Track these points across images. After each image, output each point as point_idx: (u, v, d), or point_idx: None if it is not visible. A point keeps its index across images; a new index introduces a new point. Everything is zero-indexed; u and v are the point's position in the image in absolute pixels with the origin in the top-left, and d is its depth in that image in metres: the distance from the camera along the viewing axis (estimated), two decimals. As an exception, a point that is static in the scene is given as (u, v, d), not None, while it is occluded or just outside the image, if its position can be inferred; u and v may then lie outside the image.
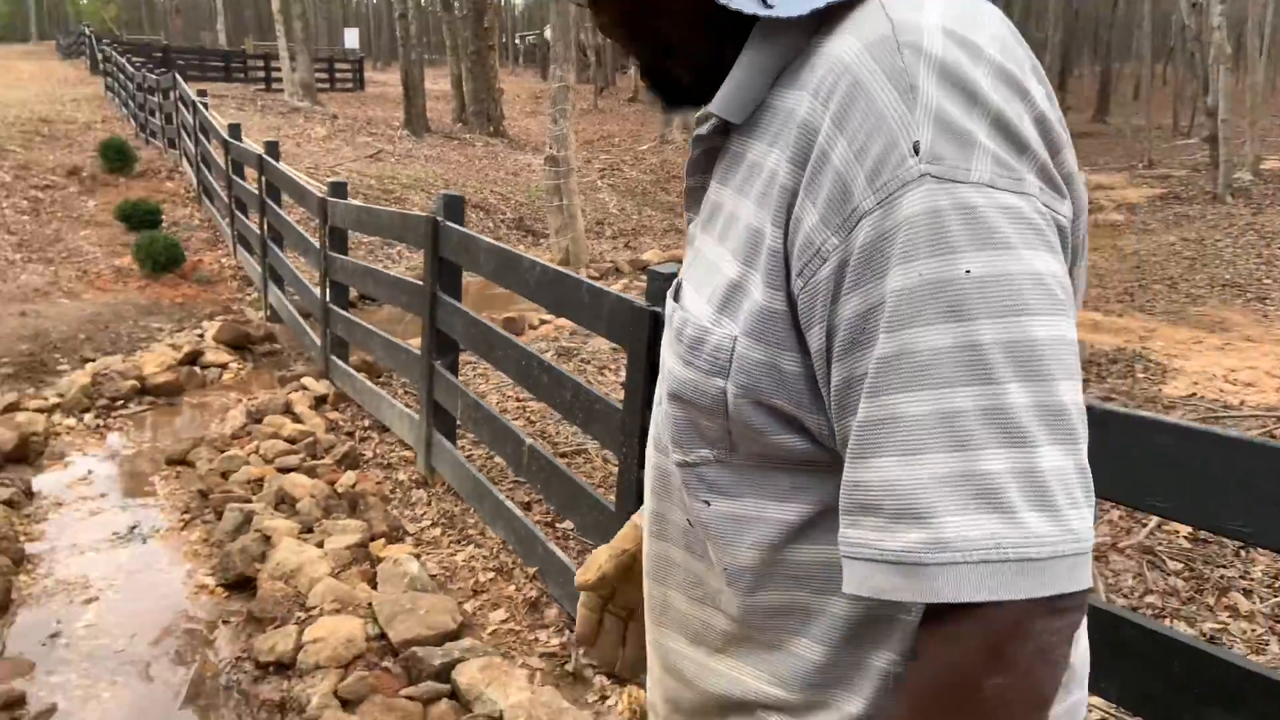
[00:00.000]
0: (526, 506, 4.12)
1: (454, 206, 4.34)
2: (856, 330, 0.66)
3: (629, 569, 1.07)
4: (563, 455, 4.69)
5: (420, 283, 4.67)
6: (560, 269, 3.34)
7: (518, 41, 45.46)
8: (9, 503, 4.24)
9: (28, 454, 4.91)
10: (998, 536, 0.61)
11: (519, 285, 3.57)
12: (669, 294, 0.89)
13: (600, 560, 1.08)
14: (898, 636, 0.76)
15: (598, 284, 3.10)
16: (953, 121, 0.63)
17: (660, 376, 0.93)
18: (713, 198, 0.82)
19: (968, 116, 0.64)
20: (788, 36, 0.73)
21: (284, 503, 4.30)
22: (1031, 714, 0.64)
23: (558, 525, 4.03)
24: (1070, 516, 0.62)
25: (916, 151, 0.63)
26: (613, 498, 3.01)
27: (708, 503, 0.82)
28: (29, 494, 4.49)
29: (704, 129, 0.80)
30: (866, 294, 0.65)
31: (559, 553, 3.43)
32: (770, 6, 0.71)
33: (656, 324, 2.53)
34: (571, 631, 3.24)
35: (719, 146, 0.81)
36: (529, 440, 3.61)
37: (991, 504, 0.61)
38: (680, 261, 1.01)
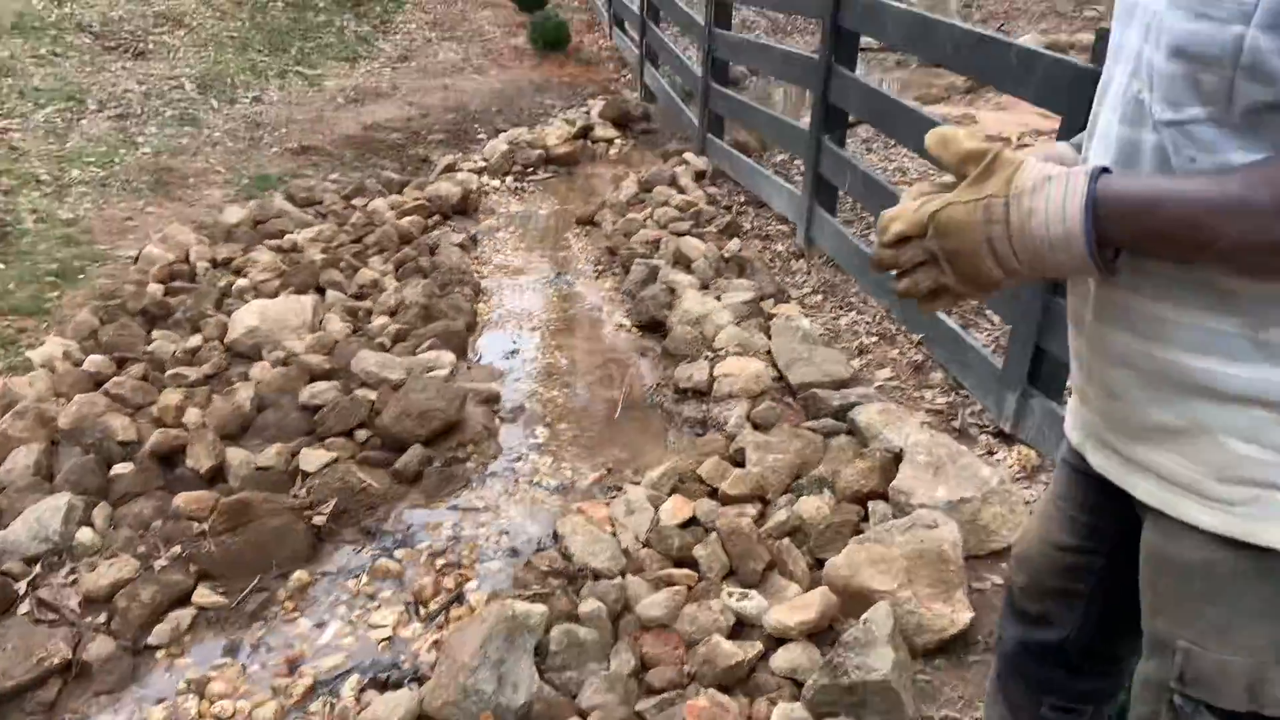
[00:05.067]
0: (909, 280, 4.22)
1: (859, -26, 4.27)
2: None
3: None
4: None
5: (813, 55, 4.72)
6: (985, 31, 3.24)
7: None
8: (462, 246, 5.07)
9: (467, 208, 5.76)
10: None
11: (933, 52, 3.53)
12: None
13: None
14: None
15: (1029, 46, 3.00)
16: None
17: (1129, 61, 1.01)
18: None
19: None
20: None
21: (679, 262, 4.74)
22: None
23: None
24: None
25: None
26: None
27: (1193, 159, 0.91)
28: (474, 240, 5.32)
29: None
30: None
31: (946, 320, 3.55)
32: None
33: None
34: (958, 394, 3.40)
35: None
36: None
37: None
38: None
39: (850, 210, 5.27)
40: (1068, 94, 2.67)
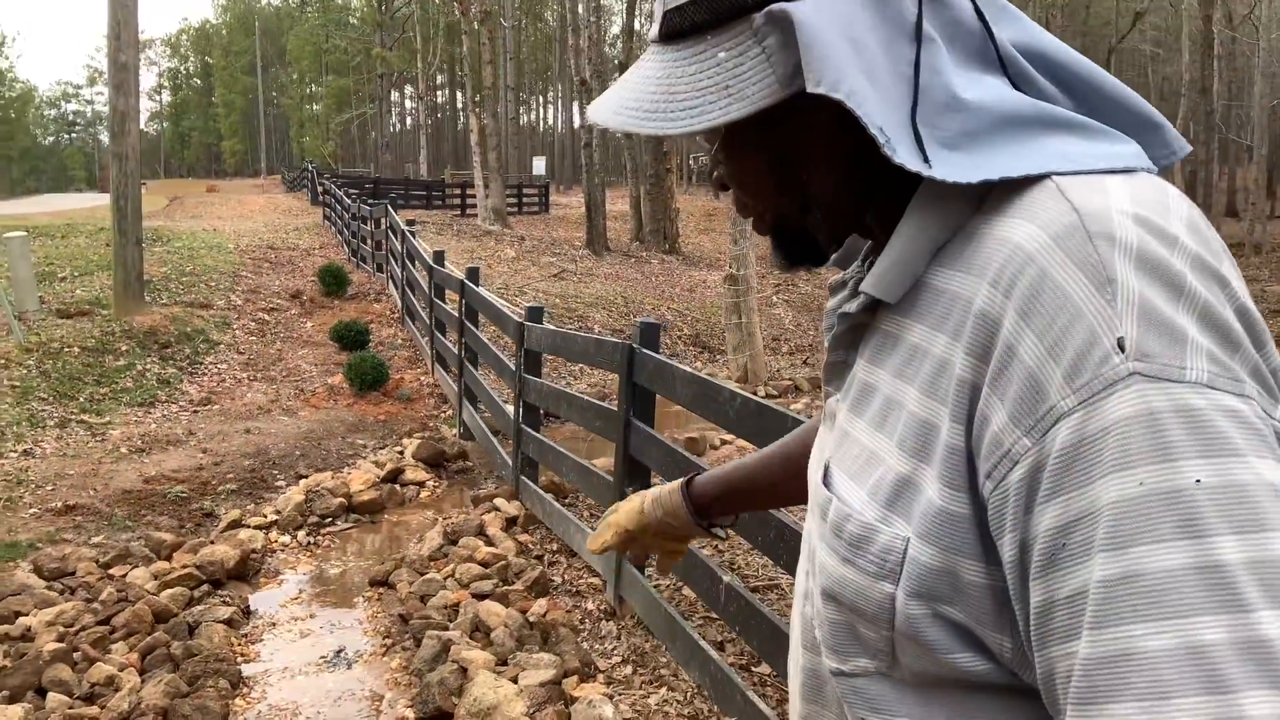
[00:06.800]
0: (720, 646, 3.94)
1: (649, 334, 4.36)
2: (1057, 545, 0.57)
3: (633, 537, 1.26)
4: (754, 590, 4.50)
5: (614, 408, 4.69)
6: (763, 401, 3.24)
7: (691, 162, 47.00)
8: (229, 622, 4.46)
9: (247, 571, 5.20)
10: None
11: (717, 416, 3.50)
12: (817, 477, 0.79)
13: (605, 537, 1.27)
14: None
15: (800, 414, 2.98)
16: (1160, 315, 0.57)
17: (805, 564, 0.83)
18: (863, 378, 0.75)
19: (1175, 310, 0.57)
20: (950, 209, 0.68)
21: (479, 630, 4.31)
22: None
23: (754, 670, 3.82)
24: None
25: (1122, 348, 0.56)
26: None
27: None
28: (247, 613, 4.72)
29: (854, 307, 0.75)
30: (1068, 503, 0.57)
31: (759, 702, 3.22)
32: (930, 165, 0.65)
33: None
34: (776, 794, 3.01)
35: (865, 323, 0.76)
36: (727, 577, 3.47)
37: None
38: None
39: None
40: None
